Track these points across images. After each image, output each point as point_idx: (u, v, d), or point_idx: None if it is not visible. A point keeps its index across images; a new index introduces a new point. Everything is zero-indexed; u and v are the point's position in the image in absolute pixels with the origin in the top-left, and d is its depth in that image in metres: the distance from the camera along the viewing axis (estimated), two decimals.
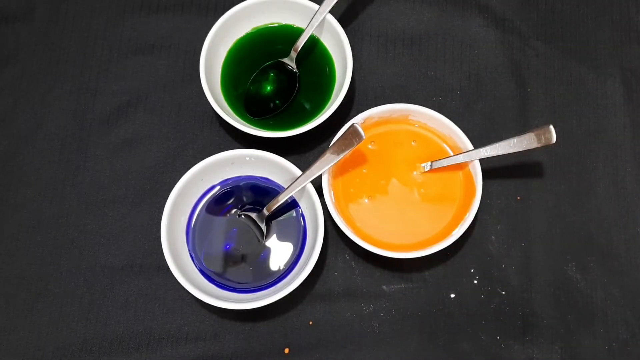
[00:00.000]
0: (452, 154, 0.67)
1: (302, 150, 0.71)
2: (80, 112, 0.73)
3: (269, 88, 0.72)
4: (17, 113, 0.73)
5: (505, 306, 0.66)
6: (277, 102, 0.71)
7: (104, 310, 0.67)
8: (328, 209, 0.64)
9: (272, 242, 0.66)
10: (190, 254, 0.66)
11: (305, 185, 0.64)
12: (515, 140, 0.62)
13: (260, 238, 0.66)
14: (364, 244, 0.63)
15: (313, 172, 0.63)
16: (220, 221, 0.67)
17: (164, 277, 0.67)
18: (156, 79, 0.74)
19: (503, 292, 0.66)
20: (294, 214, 0.67)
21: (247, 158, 0.67)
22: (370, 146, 0.68)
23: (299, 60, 0.72)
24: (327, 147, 0.63)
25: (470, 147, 0.65)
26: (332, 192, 0.66)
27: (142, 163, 0.71)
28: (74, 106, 0.73)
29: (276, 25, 0.73)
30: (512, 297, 0.66)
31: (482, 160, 0.65)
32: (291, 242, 0.66)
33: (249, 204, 0.67)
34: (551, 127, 0.61)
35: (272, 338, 0.65)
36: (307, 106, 0.71)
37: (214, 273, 0.65)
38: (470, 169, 0.66)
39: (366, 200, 0.67)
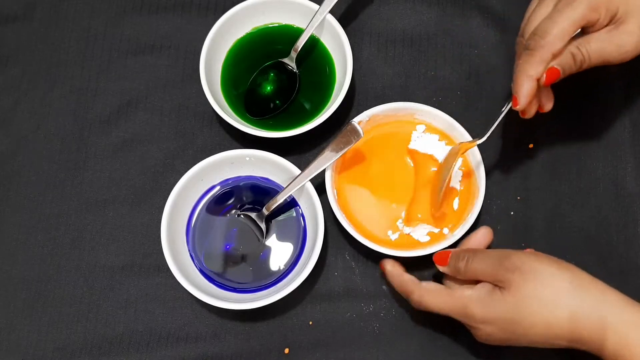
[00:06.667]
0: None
1: (302, 150, 0.71)
2: (80, 112, 0.73)
3: (269, 88, 0.72)
4: (17, 113, 0.73)
5: None
6: (277, 102, 0.71)
7: (104, 310, 0.67)
8: (330, 204, 0.64)
9: (272, 242, 0.66)
10: (190, 254, 0.66)
11: (304, 185, 0.64)
12: None
13: (260, 238, 0.66)
14: (363, 240, 0.63)
15: (312, 171, 0.63)
16: (220, 221, 0.67)
17: (164, 277, 0.67)
18: (156, 79, 0.74)
19: None
20: (294, 214, 0.67)
21: (247, 158, 0.67)
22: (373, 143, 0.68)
23: (299, 60, 0.72)
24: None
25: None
26: (334, 189, 0.66)
27: (142, 163, 0.71)
28: (74, 106, 0.73)
29: (276, 25, 0.73)
30: None
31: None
32: (291, 242, 0.66)
33: (249, 204, 0.67)
34: None
35: (272, 338, 0.65)
36: (307, 106, 0.71)
37: (214, 273, 0.65)
38: (475, 170, 0.66)
39: (368, 197, 0.67)
